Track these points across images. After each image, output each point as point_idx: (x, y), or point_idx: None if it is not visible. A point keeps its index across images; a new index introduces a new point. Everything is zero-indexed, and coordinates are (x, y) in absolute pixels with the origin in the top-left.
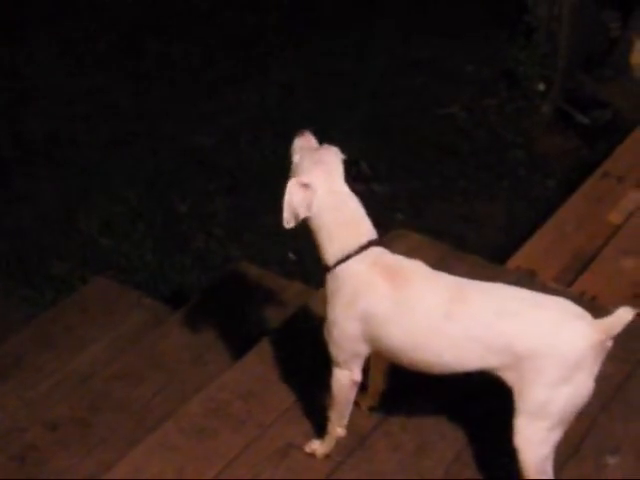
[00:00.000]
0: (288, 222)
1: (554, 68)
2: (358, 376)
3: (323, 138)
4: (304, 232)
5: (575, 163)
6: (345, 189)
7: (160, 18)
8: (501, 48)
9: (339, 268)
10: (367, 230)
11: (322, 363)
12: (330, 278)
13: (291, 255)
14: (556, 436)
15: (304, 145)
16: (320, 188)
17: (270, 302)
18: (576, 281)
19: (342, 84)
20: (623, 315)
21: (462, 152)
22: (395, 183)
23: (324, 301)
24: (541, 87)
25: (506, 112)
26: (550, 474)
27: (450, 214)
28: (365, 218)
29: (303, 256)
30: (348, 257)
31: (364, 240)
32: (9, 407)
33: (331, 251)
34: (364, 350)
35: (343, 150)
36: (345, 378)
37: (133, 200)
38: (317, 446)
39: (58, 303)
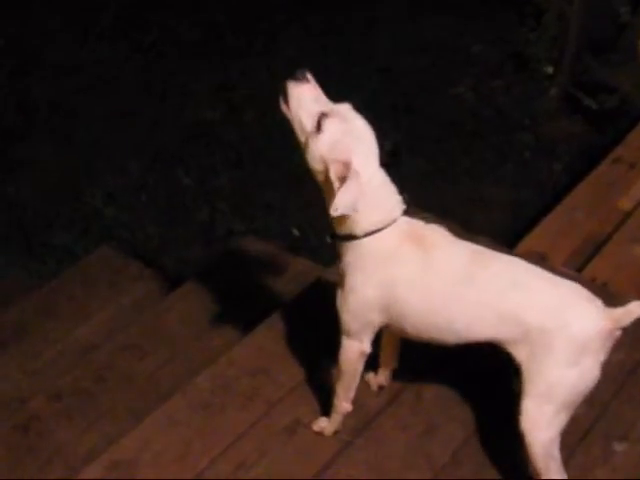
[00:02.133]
0: (336, 212)
1: (563, 51)
2: (367, 347)
3: None
4: (307, 208)
5: (581, 147)
6: (379, 168)
7: None
8: (510, 29)
9: (367, 239)
10: (398, 203)
11: (331, 340)
12: (352, 247)
13: (295, 231)
14: (562, 420)
15: (311, 98)
16: (366, 173)
17: (276, 277)
18: (586, 267)
19: (349, 61)
20: (634, 309)
21: (469, 133)
22: (401, 161)
23: (339, 271)
24: (549, 70)
25: (513, 94)
26: (557, 457)
27: (456, 195)
28: (395, 191)
29: (306, 232)
30: (378, 230)
31: (396, 214)
32: (12, 376)
33: (362, 225)
34: (377, 320)
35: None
36: (354, 348)
37: (137, 172)
38: (325, 424)
39: (61, 273)
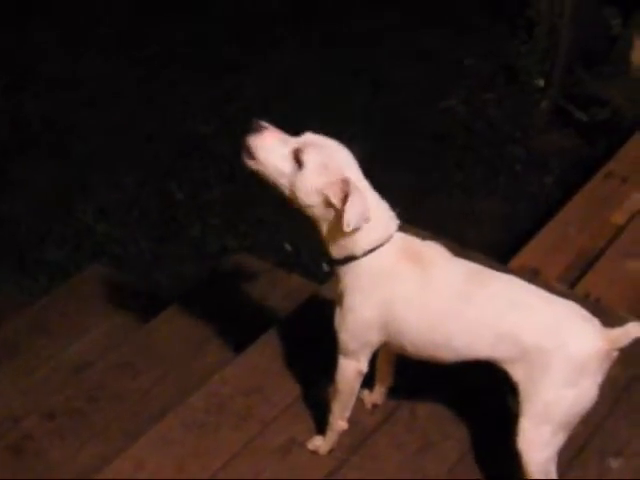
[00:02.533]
0: (350, 226)
1: (554, 64)
2: (365, 367)
3: (323, 128)
4: (300, 223)
5: (573, 161)
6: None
7: (162, 5)
8: (502, 42)
9: (365, 258)
10: (392, 218)
11: (326, 357)
12: (350, 268)
13: (287, 246)
14: (559, 440)
15: (277, 142)
16: (362, 186)
17: (269, 294)
18: (579, 282)
19: (342, 74)
20: (632, 330)
21: (460, 146)
22: (393, 175)
23: (338, 292)
24: (540, 83)
25: (505, 107)
26: (554, 475)
27: (448, 209)
28: (388, 207)
29: (299, 247)
30: (378, 247)
31: (392, 230)
32: (4, 394)
33: (361, 244)
34: (376, 339)
35: (341, 140)
36: (352, 368)
37: (130, 187)
38: (320, 442)
39: (53, 290)
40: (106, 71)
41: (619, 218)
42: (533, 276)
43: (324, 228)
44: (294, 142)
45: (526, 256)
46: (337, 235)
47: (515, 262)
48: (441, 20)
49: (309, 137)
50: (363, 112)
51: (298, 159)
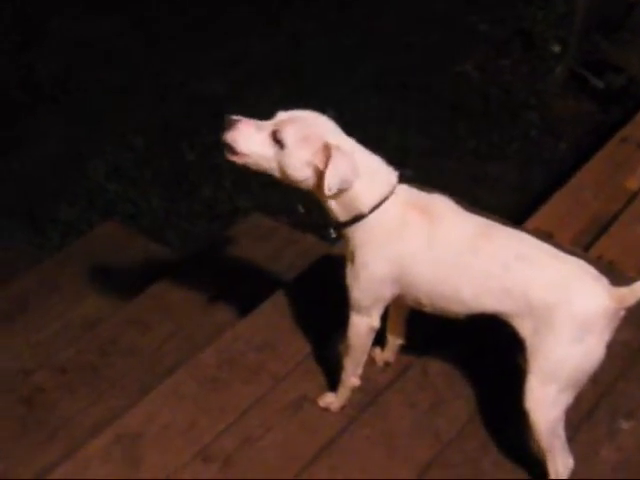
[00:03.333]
0: (331, 190)
1: (570, 30)
2: (377, 322)
3: (334, 92)
4: None
5: (588, 127)
6: (355, 142)
7: None
8: (517, 7)
9: (372, 214)
10: (391, 171)
11: (337, 315)
12: (359, 227)
13: (300, 208)
14: (566, 399)
15: (253, 130)
16: (346, 146)
17: (282, 253)
18: (593, 246)
19: (354, 37)
20: (639, 289)
21: (474, 111)
22: (407, 138)
23: (349, 251)
24: (556, 49)
25: (520, 72)
26: (561, 436)
27: (461, 173)
28: (382, 161)
29: (312, 209)
30: (383, 202)
31: (394, 181)
32: (16, 349)
33: (365, 200)
34: (388, 293)
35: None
36: (364, 324)
37: (141, 147)
38: (332, 399)
39: (65, 247)
40: (116, 31)
41: (633, 183)
42: (546, 240)
43: (325, 197)
44: (269, 125)
45: (540, 220)
46: (340, 199)
47: (528, 225)
48: None
49: (282, 115)
50: (376, 76)
51: (277, 140)
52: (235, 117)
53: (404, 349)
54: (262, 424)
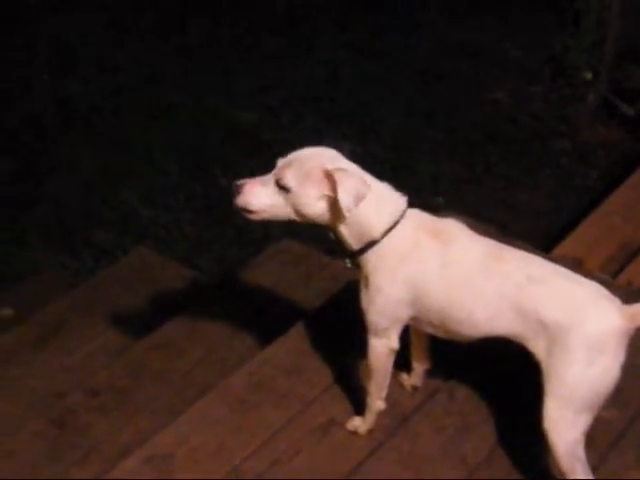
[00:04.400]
0: (349, 209)
1: (601, 57)
2: (395, 344)
3: (365, 119)
4: None
5: (619, 154)
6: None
7: None
8: (549, 34)
9: (385, 239)
10: (400, 196)
11: (363, 341)
12: (373, 252)
13: (331, 234)
14: (585, 421)
15: (260, 186)
16: (349, 168)
17: (312, 279)
18: (622, 271)
19: (387, 65)
20: None
21: (505, 138)
22: (438, 166)
23: (363, 276)
24: (588, 76)
25: (551, 100)
26: (582, 458)
27: (492, 200)
28: (389, 185)
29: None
30: (394, 226)
31: (403, 206)
32: (49, 372)
33: (377, 226)
34: (405, 315)
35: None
36: (383, 346)
37: (174, 172)
38: (359, 422)
39: (98, 271)
40: (150, 57)
41: None
42: (576, 266)
43: (340, 227)
44: (272, 176)
45: (569, 246)
46: (353, 228)
47: (557, 252)
48: (488, 11)
49: (281, 162)
50: (408, 102)
51: (282, 187)
52: (240, 182)
53: (431, 374)
54: (291, 447)
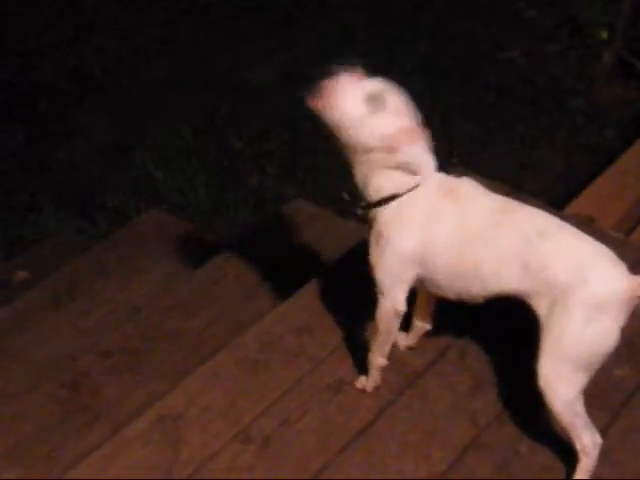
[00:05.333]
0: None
1: (618, 16)
2: (402, 306)
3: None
4: None
5: (635, 113)
6: None
7: None
8: None
9: (406, 195)
10: (429, 155)
11: (374, 301)
12: (390, 207)
13: (345, 195)
14: (580, 380)
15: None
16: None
17: (325, 240)
18: (635, 230)
19: (401, 25)
20: None
21: (521, 98)
22: (453, 125)
23: (375, 231)
24: (604, 35)
25: (567, 59)
26: (582, 414)
27: (507, 159)
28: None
29: (357, 196)
30: (418, 185)
31: (432, 166)
32: (62, 335)
33: (405, 182)
34: (410, 274)
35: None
36: (389, 307)
37: (188, 135)
38: (364, 382)
39: (112, 234)
40: (161, 19)
41: None
42: (588, 224)
43: (371, 170)
44: (369, 85)
45: (582, 204)
46: (383, 177)
47: (571, 209)
48: None
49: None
50: (423, 62)
51: (376, 101)
52: (340, 68)
53: (441, 332)
54: (300, 406)
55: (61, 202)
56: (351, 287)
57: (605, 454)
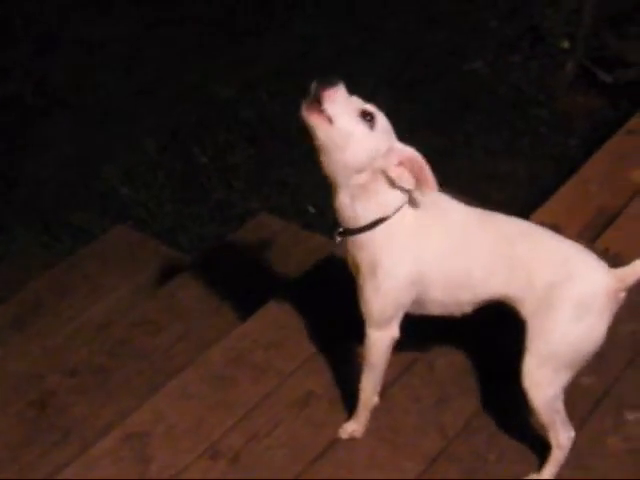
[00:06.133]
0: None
1: (579, 25)
2: (397, 332)
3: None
4: (323, 185)
5: (597, 122)
6: None
7: None
8: (526, 4)
9: (394, 217)
10: None
11: (342, 313)
12: (379, 231)
13: (310, 208)
14: (564, 378)
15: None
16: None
17: (290, 254)
18: (599, 238)
19: (364, 37)
20: (639, 266)
21: (484, 108)
22: (417, 137)
23: (365, 262)
24: (565, 44)
25: (530, 69)
26: (561, 411)
27: (472, 171)
28: None
29: (323, 209)
30: (404, 204)
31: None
32: (29, 354)
33: (392, 203)
34: (409, 298)
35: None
36: (386, 338)
37: (153, 150)
38: (354, 426)
39: (77, 251)
40: (126, 34)
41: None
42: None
43: (356, 194)
44: (358, 102)
45: (545, 213)
46: (370, 199)
47: (535, 218)
48: None
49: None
50: (387, 74)
51: (368, 119)
52: (340, 82)
53: (408, 345)
54: (269, 421)
55: (26, 218)
56: (317, 301)
57: (574, 458)
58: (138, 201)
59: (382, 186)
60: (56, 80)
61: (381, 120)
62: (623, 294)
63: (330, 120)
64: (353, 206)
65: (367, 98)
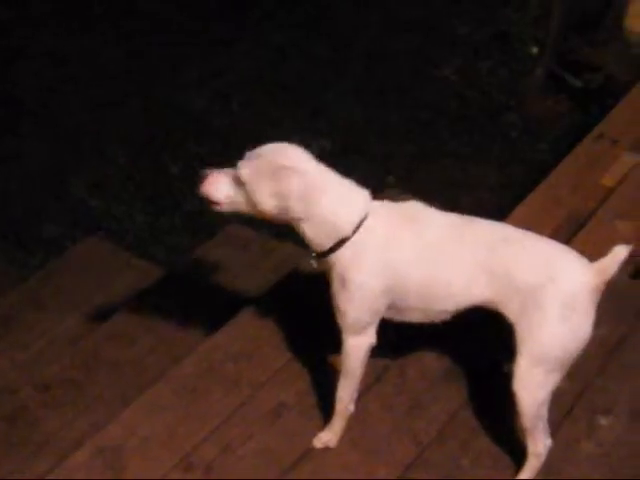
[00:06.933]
0: (295, 210)
1: (547, 31)
2: (374, 338)
3: (316, 100)
4: None
5: (567, 126)
6: (320, 166)
7: None
8: (495, 10)
9: (357, 234)
10: (363, 190)
11: (313, 324)
12: (345, 250)
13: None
14: (554, 380)
15: (223, 180)
16: (302, 167)
17: (261, 264)
18: (570, 242)
19: (335, 45)
20: (619, 253)
21: (454, 114)
22: (388, 144)
23: (336, 277)
24: (534, 50)
25: (499, 75)
26: (545, 418)
27: (443, 176)
28: (351, 181)
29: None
30: (363, 220)
31: (368, 199)
32: (0, 368)
33: (346, 222)
34: (384, 305)
35: (336, 112)
36: (363, 344)
37: (124, 161)
38: (329, 436)
39: (47, 264)
40: (95, 46)
41: (609, 180)
42: None
43: (304, 227)
44: (232, 169)
45: (516, 218)
46: (319, 227)
47: (506, 223)
48: None
49: (247, 155)
50: (357, 82)
51: (238, 180)
52: (206, 171)
53: (379, 353)
54: (242, 432)
55: None
56: (288, 311)
57: (548, 464)
58: (109, 213)
59: (324, 213)
60: (23, 92)
61: (246, 171)
62: (603, 287)
63: (221, 203)
64: (311, 235)
65: (337, 105)
